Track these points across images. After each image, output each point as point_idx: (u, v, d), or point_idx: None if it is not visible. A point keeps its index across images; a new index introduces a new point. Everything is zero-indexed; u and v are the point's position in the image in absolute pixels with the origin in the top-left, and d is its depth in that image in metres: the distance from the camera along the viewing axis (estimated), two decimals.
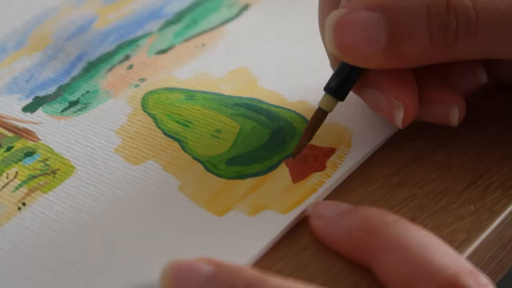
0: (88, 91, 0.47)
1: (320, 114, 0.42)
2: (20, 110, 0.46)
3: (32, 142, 0.44)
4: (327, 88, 0.41)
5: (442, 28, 0.38)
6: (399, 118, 0.41)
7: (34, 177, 0.42)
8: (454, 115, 0.42)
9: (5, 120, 0.45)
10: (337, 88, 0.41)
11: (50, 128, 0.45)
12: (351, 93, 0.42)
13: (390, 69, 0.41)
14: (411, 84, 0.41)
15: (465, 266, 0.35)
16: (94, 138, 0.44)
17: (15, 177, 0.42)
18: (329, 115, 0.44)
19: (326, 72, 0.46)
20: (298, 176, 0.41)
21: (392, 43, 0.38)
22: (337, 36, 0.39)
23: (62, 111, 0.46)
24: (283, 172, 0.41)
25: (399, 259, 0.35)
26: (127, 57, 0.50)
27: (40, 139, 0.44)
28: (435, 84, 0.42)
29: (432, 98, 0.42)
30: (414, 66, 0.40)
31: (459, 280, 0.34)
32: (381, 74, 0.41)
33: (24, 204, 0.41)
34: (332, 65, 0.43)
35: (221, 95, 0.46)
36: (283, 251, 0.38)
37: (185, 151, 0.43)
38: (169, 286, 0.35)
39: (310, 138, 0.42)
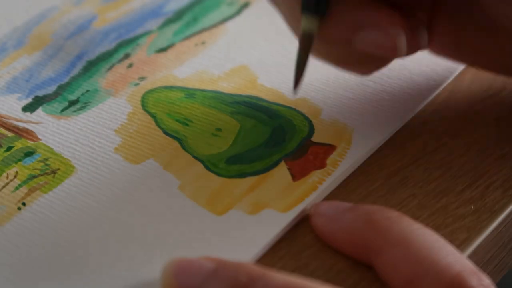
0: (88, 90, 0.47)
1: (307, 41, 0.40)
2: (20, 109, 0.46)
3: (32, 142, 0.44)
4: (305, 7, 0.38)
5: None
6: (403, 44, 0.38)
7: (34, 177, 0.42)
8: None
9: (5, 120, 0.45)
10: (315, 2, 0.38)
11: (50, 128, 0.45)
12: (351, 91, 0.42)
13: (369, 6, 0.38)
14: (392, 10, 0.38)
15: (469, 266, 0.35)
16: (94, 137, 0.44)
17: (15, 177, 0.42)
18: (330, 112, 0.43)
19: (326, 69, 0.46)
20: (298, 174, 0.41)
21: None
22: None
23: (62, 110, 0.46)
24: (283, 170, 0.41)
25: (403, 256, 0.35)
26: (127, 56, 0.49)
27: (40, 139, 0.44)
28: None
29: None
30: None
31: (464, 279, 0.34)
32: (365, 11, 0.38)
33: (24, 204, 0.41)
34: None
35: (221, 93, 0.46)
36: (283, 251, 0.38)
37: (185, 150, 0.43)
38: (170, 283, 0.35)
39: (304, 69, 0.40)
